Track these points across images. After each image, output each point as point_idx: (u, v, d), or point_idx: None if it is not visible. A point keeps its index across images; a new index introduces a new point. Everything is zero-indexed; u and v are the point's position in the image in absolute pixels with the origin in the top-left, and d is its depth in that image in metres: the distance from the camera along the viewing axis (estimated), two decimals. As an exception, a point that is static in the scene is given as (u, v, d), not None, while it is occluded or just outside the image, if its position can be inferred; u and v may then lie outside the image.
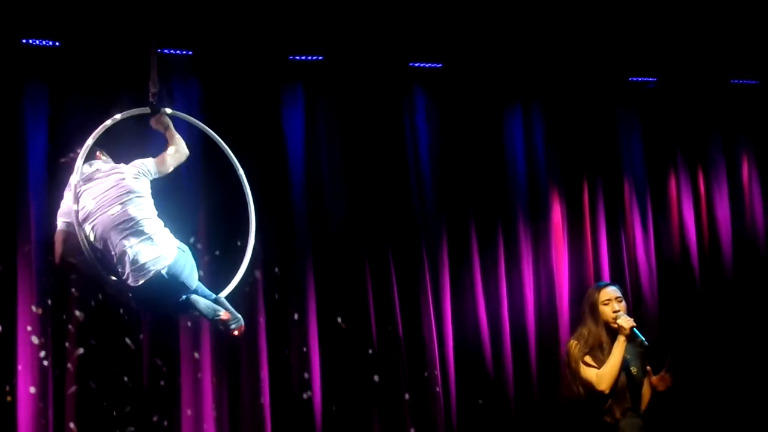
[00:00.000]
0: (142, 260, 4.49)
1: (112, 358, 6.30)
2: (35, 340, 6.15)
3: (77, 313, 6.26)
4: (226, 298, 4.85)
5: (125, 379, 6.31)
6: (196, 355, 6.48)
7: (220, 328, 5.10)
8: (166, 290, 4.56)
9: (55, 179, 6.15)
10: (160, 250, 4.54)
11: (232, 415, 6.53)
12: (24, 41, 6.28)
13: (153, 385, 6.36)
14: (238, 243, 6.17)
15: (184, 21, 6.40)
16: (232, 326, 4.71)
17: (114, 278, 4.59)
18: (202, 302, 4.68)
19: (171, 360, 6.43)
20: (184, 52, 6.67)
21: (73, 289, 6.26)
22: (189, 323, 6.47)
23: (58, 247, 4.67)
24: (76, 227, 4.53)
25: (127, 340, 6.35)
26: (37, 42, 6.32)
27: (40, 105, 6.33)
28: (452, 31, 7.12)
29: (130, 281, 4.52)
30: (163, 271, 4.51)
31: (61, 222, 4.69)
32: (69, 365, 6.20)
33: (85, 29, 6.34)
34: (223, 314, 4.69)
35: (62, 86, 6.39)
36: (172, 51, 6.60)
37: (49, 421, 6.11)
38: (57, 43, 6.34)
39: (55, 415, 6.14)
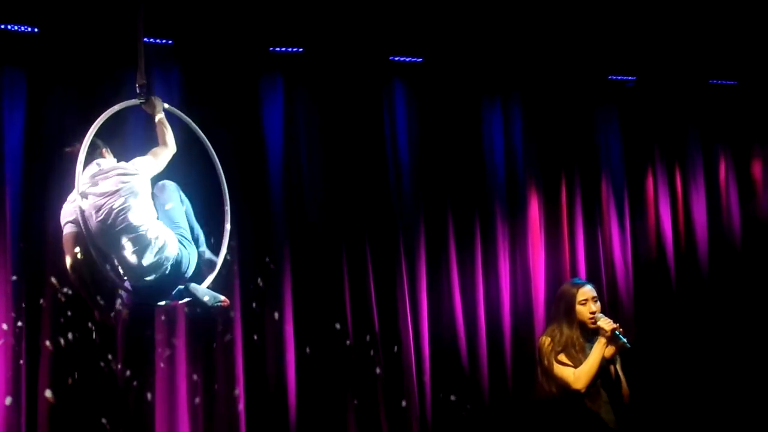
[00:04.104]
0: (146, 260, 4.57)
1: (86, 350, 6.27)
2: (8, 333, 6.12)
3: (51, 308, 6.22)
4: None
5: (100, 366, 6.28)
6: (172, 341, 6.46)
7: (215, 313, 5.14)
8: (168, 283, 4.68)
9: (33, 166, 6.15)
10: (163, 249, 4.61)
11: (206, 405, 6.52)
12: (2, 27, 6.23)
13: (127, 375, 6.34)
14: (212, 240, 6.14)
15: (165, 10, 6.36)
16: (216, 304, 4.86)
17: (117, 278, 4.65)
18: (201, 290, 4.79)
19: (145, 352, 6.40)
20: (165, 41, 6.64)
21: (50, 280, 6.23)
22: (163, 317, 6.45)
23: (70, 252, 4.69)
24: (83, 230, 4.55)
25: (101, 331, 6.31)
26: (15, 28, 6.26)
27: (18, 92, 6.27)
28: (433, 26, 7.13)
29: (133, 281, 4.61)
30: (168, 264, 4.61)
31: (68, 225, 4.71)
32: (43, 361, 6.15)
33: (64, 15, 6.29)
34: (224, 301, 4.84)
35: (40, 73, 6.34)
36: (152, 40, 6.56)
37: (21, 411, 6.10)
38: (35, 29, 6.29)
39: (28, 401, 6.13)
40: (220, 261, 5.04)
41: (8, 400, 6.02)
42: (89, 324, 6.22)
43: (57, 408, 6.10)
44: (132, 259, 4.57)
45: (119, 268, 4.60)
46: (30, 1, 6.23)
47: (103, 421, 6.22)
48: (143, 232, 4.60)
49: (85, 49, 6.40)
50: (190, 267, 4.74)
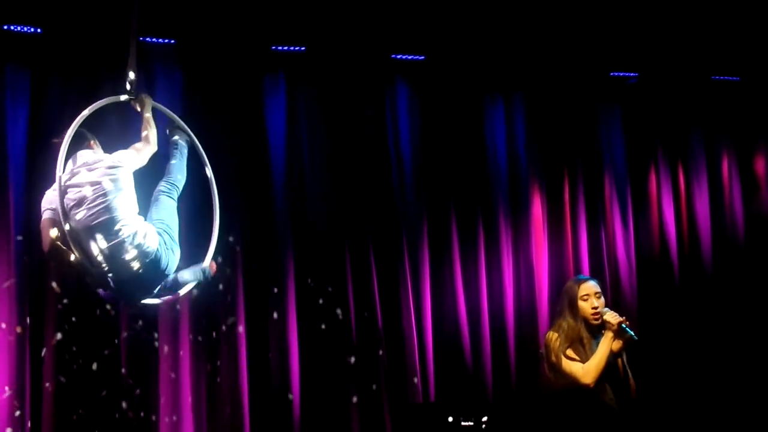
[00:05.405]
0: (125, 255, 4.56)
1: (91, 347, 6.30)
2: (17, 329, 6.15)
3: (57, 301, 6.25)
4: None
5: (103, 371, 6.31)
6: (173, 344, 6.48)
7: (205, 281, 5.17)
8: (148, 279, 4.67)
9: (36, 164, 6.17)
10: (142, 245, 4.60)
11: (209, 403, 6.54)
12: (6, 27, 6.27)
13: (131, 373, 6.36)
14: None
15: (167, 10, 6.38)
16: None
17: (98, 270, 4.60)
18: (187, 272, 4.84)
19: (149, 347, 6.44)
20: (167, 41, 6.66)
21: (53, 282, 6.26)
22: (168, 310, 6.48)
23: (46, 236, 4.66)
24: (62, 221, 4.53)
25: (106, 325, 6.35)
26: (19, 28, 6.30)
27: (21, 91, 6.33)
28: (435, 24, 7.13)
29: (112, 275, 4.58)
30: (146, 260, 4.59)
31: (47, 211, 4.69)
32: (47, 356, 6.20)
33: (67, 16, 6.33)
34: (211, 265, 4.99)
35: (43, 72, 6.39)
36: (154, 40, 6.60)
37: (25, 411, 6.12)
38: (39, 30, 6.32)
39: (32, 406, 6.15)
40: (209, 256, 5.06)
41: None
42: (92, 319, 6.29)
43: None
44: (109, 252, 4.54)
45: (100, 260, 4.57)
46: (33, 2, 6.25)
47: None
48: (122, 226, 4.58)
49: (87, 48, 6.45)
50: (170, 264, 4.72)
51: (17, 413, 6.07)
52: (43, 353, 6.19)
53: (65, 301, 6.26)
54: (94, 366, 6.28)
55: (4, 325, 6.13)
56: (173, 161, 5.11)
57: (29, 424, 6.10)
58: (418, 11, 6.99)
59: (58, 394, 6.17)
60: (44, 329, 6.22)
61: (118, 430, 6.28)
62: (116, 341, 6.35)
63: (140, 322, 6.40)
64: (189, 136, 5.20)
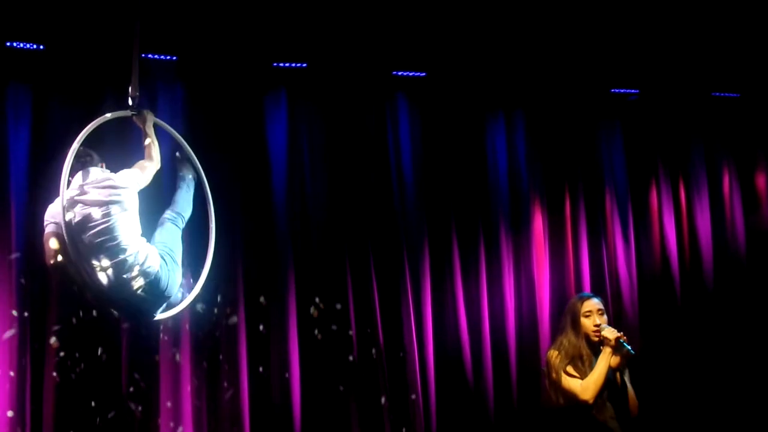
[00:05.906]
0: (126, 275, 4.59)
1: (93, 354, 6.31)
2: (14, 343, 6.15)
3: (58, 317, 6.25)
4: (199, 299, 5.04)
5: (104, 374, 6.31)
6: (177, 356, 6.47)
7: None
8: (148, 300, 4.70)
9: (38, 181, 6.19)
10: (143, 266, 4.64)
11: (210, 418, 6.52)
12: (8, 44, 6.28)
13: (131, 383, 6.35)
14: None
15: (169, 26, 6.40)
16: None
17: (98, 288, 4.63)
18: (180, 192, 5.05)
19: (150, 361, 6.43)
20: (169, 58, 6.67)
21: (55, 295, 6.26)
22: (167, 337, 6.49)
23: (48, 249, 4.68)
24: (66, 237, 4.56)
25: (107, 341, 6.35)
26: (21, 45, 6.32)
27: (23, 108, 6.33)
28: (436, 41, 7.14)
29: (113, 294, 4.62)
30: (146, 280, 4.63)
31: (50, 225, 4.71)
32: (48, 368, 6.18)
33: (69, 33, 6.35)
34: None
35: (45, 89, 6.39)
36: (156, 56, 6.61)
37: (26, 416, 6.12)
38: (41, 47, 6.34)
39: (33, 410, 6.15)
40: (204, 273, 5.07)
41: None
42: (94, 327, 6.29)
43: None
44: (110, 271, 4.57)
45: (98, 279, 4.60)
46: (36, 18, 6.27)
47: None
48: (125, 247, 4.61)
49: (89, 65, 6.46)
50: (171, 286, 4.75)
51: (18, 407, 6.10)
52: (45, 346, 6.20)
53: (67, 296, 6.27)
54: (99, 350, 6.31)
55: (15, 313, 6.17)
56: (180, 193, 5.16)
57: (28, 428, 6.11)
58: (419, 28, 7.00)
59: (60, 390, 6.17)
60: (46, 324, 6.22)
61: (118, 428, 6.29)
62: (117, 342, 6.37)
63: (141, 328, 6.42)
64: (193, 164, 5.24)
